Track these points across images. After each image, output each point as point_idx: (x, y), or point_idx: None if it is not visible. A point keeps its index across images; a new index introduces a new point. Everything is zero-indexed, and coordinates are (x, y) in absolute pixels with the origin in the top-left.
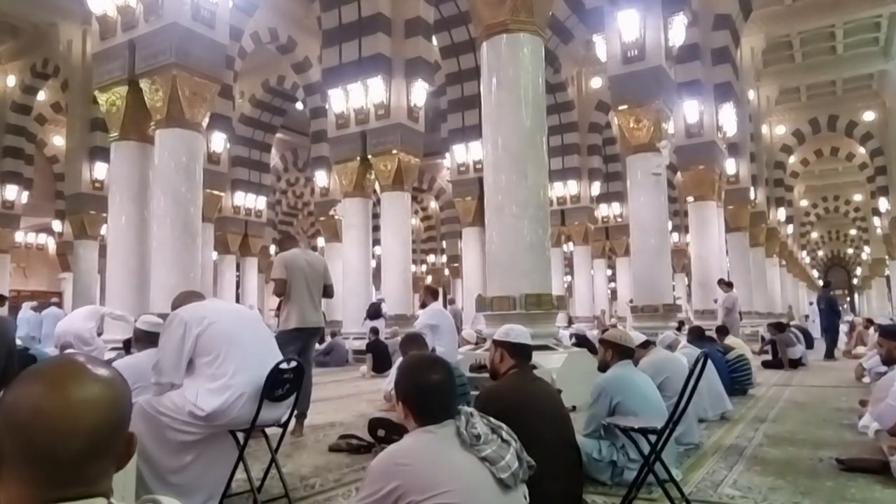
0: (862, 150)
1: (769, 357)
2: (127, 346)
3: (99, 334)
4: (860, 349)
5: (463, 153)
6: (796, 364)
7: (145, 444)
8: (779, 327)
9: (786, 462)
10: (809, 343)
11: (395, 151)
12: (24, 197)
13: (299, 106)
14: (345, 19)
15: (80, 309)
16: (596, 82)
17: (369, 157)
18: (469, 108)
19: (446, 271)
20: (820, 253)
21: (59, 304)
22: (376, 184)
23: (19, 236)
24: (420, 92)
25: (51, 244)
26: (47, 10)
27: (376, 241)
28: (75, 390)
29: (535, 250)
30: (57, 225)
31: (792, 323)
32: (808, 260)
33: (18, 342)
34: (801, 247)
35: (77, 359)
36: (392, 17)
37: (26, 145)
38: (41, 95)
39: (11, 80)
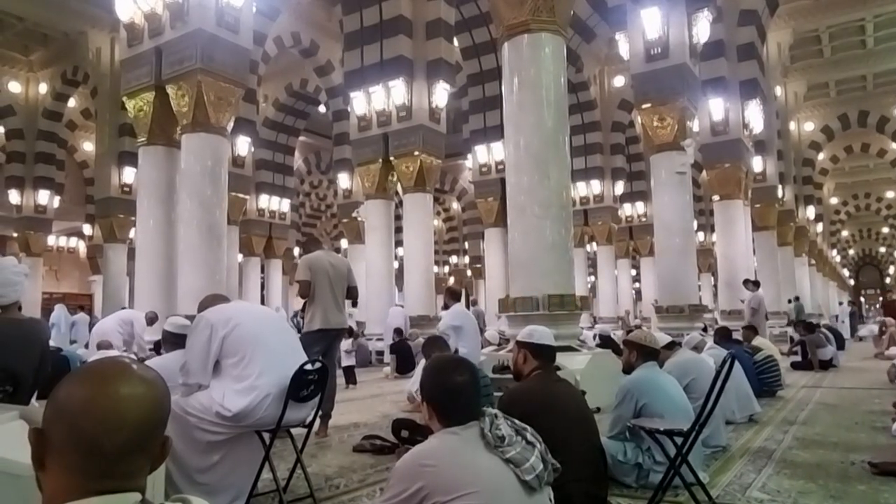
0: (894, 145)
1: (798, 358)
2: (157, 348)
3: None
4: (893, 350)
5: (485, 154)
6: (827, 365)
7: (174, 443)
8: (808, 328)
9: (816, 465)
10: (840, 344)
11: (416, 153)
12: (56, 202)
13: (322, 109)
14: (366, 22)
15: (112, 316)
16: (619, 81)
17: (391, 158)
18: (491, 109)
19: (469, 272)
20: (851, 252)
21: (90, 309)
22: (398, 185)
23: (51, 240)
24: (441, 93)
25: (81, 247)
26: (77, 19)
27: (399, 243)
28: (125, 387)
29: (558, 250)
30: (87, 229)
31: (822, 323)
32: (838, 259)
33: (51, 343)
34: (831, 246)
35: (126, 360)
36: (413, 20)
37: (57, 151)
38: (71, 102)
39: (43, 88)
